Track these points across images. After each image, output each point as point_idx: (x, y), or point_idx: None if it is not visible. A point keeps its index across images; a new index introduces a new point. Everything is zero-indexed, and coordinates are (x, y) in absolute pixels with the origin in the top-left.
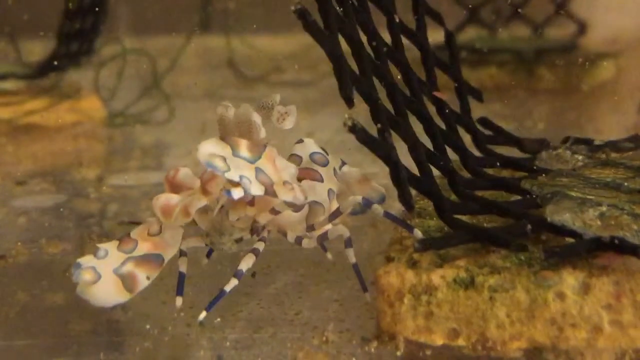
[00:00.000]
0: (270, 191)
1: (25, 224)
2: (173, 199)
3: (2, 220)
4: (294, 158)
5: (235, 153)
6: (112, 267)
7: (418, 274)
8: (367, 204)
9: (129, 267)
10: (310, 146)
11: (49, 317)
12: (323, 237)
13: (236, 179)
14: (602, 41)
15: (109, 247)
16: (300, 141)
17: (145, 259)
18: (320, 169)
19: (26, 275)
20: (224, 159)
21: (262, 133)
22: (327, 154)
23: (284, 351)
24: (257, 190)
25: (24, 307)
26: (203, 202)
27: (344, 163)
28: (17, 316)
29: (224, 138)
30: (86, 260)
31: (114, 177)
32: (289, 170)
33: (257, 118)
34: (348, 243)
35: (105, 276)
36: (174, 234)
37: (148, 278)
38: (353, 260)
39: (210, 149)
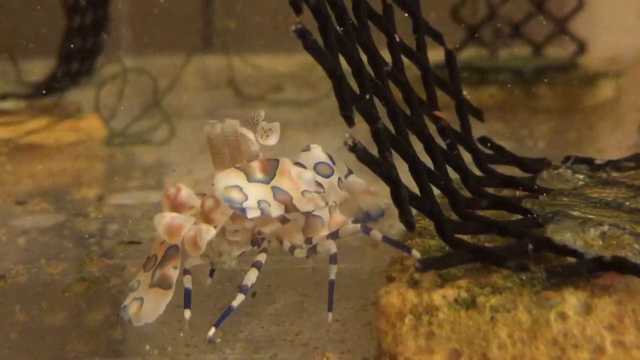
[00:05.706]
0: (290, 207)
1: (25, 244)
2: (177, 218)
3: (1, 240)
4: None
5: (250, 178)
6: (147, 285)
7: (419, 294)
8: (365, 230)
9: (157, 274)
10: (316, 155)
11: (48, 338)
12: (312, 250)
13: (254, 206)
14: (602, 60)
15: (139, 276)
16: (307, 149)
17: (165, 257)
18: (323, 181)
19: (25, 296)
20: (240, 189)
21: (254, 144)
22: (334, 163)
23: None
24: (277, 211)
25: (24, 328)
26: (212, 233)
27: (350, 172)
28: (17, 337)
29: (237, 165)
30: (128, 300)
31: (114, 196)
32: (305, 177)
33: (244, 130)
34: (333, 259)
35: (146, 295)
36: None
37: (175, 267)
38: (332, 277)
39: (224, 182)
